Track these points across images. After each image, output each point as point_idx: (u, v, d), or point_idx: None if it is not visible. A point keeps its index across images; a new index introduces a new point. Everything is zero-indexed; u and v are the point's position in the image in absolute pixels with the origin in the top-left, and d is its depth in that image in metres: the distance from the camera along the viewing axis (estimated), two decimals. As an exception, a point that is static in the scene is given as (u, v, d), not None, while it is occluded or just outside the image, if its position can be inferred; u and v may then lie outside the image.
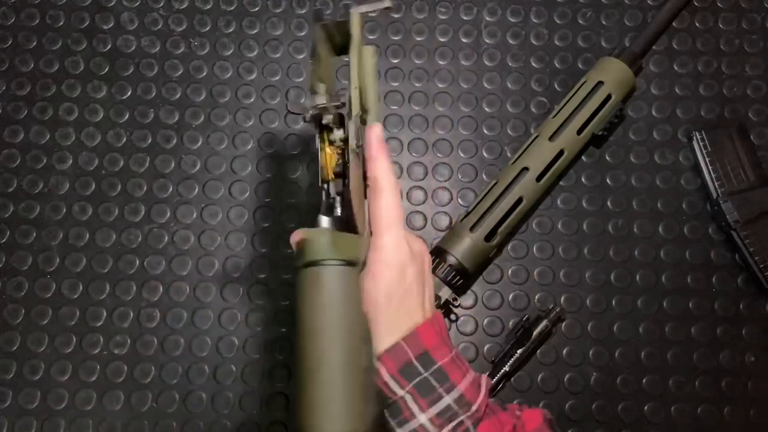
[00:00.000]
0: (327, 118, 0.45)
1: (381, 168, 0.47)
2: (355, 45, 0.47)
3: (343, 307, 0.39)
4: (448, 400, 0.44)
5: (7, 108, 0.72)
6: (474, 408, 0.45)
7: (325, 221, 0.44)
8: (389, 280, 0.45)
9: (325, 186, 0.46)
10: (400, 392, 0.44)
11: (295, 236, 0.44)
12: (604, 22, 0.75)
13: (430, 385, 0.44)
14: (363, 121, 0.48)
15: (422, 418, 0.44)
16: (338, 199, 0.46)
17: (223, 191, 0.71)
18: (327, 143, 0.46)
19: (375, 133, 0.48)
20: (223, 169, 0.71)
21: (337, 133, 0.45)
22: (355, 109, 0.46)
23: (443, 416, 0.44)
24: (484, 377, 0.48)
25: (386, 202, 0.46)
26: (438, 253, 0.65)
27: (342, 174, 0.45)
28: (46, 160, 0.71)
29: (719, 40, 0.75)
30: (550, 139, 0.67)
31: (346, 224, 0.44)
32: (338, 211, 0.45)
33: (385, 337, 0.44)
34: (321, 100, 0.44)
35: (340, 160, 0.46)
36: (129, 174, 0.71)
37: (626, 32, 0.75)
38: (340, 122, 0.45)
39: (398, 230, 0.46)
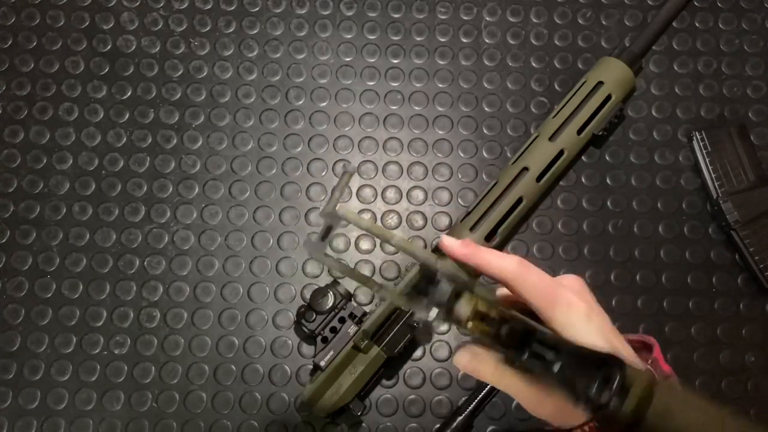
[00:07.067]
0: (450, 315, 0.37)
1: (488, 260, 0.41)
2: (368, 227, 0.39)
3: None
4: None
5: (7, 108, 0.72)
6: None
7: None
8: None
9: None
10: None
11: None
12: (604, 22, 0.75)
13: None
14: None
15: None
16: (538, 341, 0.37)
17: (223, 191, 0.71)
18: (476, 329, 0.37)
19: (452, 246, 0.42)
20: (223, 169, 0.71)
21: (464, 309, 0.37)
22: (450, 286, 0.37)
23: None
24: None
25: (529, 283, 0.40)
26: (438, 253, 0.64)
27: (499, 322, 0.37)
28: (46, 160, 0.71)
29: (719, 40, 0.75)
30: (550, 139, 0.66)
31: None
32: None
33: None
34: (424, 313, 0.37)
35: (491, 320, 0.37)
36: (129, 174, 0.71)
37: (626, 32, 0.75)
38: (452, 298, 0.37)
39: (566, 297, 0.41)
